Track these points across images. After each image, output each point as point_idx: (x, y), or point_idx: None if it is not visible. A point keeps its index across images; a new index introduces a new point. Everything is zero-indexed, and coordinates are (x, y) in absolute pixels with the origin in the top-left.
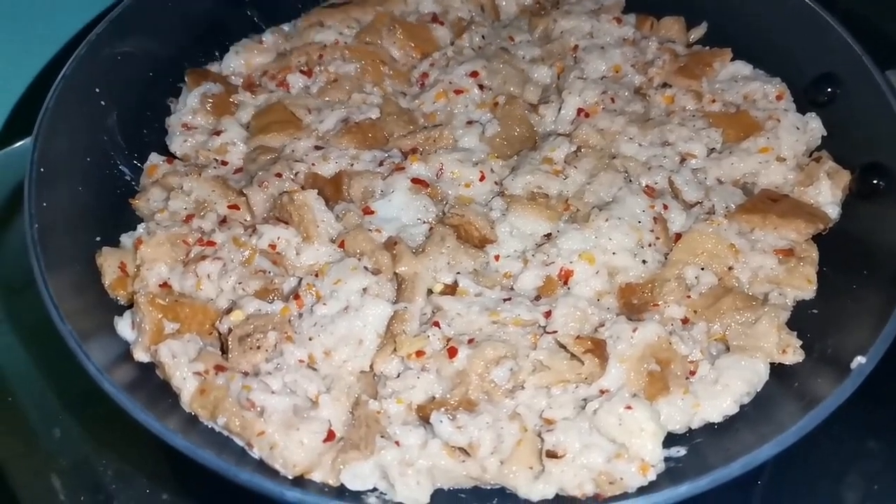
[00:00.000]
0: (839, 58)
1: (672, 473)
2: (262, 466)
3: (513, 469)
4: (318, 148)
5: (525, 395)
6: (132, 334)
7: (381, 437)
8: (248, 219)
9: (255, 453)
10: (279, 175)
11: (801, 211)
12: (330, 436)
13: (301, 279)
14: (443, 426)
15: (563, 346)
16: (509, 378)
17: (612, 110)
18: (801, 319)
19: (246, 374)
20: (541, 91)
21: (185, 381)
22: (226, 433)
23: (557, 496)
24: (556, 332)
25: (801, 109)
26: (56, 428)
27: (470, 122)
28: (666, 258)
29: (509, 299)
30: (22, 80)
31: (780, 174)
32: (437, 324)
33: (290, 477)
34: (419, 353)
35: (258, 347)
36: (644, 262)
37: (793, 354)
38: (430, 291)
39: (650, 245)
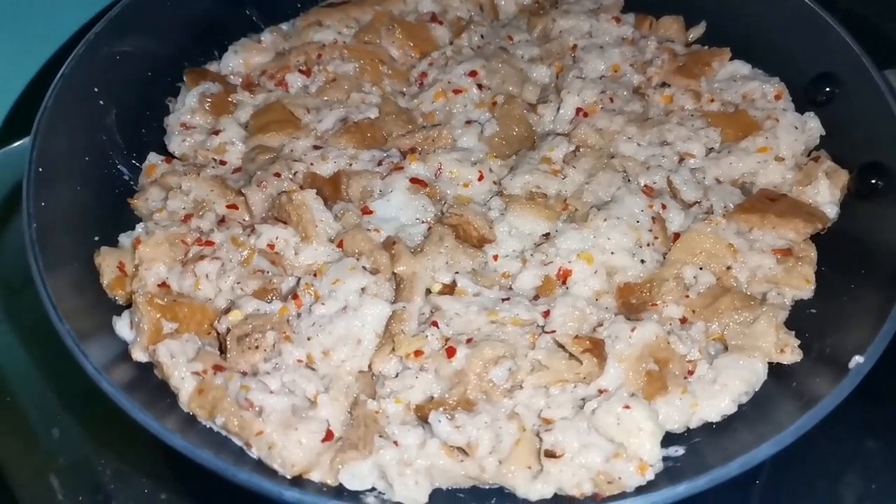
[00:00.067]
0: (838, 57)
1: (670, 473)
2: (261, 466)
3: (511, 469)
4: (316, 147)
5: (523, 395)
6: (130, 334)
7: (380, 436)
8: (247, 218)
9: (254, 453)
10: (278, 175)
11: (800, 210)
12: (328, 435)
13: (299, 279)
14: (441, 426)
15: (561, 346)
16: (508, 378)
17: (610, 110)
18: (799, 319)
19: (244, 373)
20: (539, 90)
21: (183, 381)
22: (224, 433)
23: (556, 496)
24: (554, 331)
25: (800, 109)
26: (55, 428)
27: (469, 122)
28: (664, 258)
29: (508, 299)
30: (21, 80)
31: (778, 174)
32: (435, 323)
33: (289, 477)
34: (417, 353)
35: (257, 347)
36: (642, 261)
37: (791, 354)
38: (428, 291)
39: (648, 245)
